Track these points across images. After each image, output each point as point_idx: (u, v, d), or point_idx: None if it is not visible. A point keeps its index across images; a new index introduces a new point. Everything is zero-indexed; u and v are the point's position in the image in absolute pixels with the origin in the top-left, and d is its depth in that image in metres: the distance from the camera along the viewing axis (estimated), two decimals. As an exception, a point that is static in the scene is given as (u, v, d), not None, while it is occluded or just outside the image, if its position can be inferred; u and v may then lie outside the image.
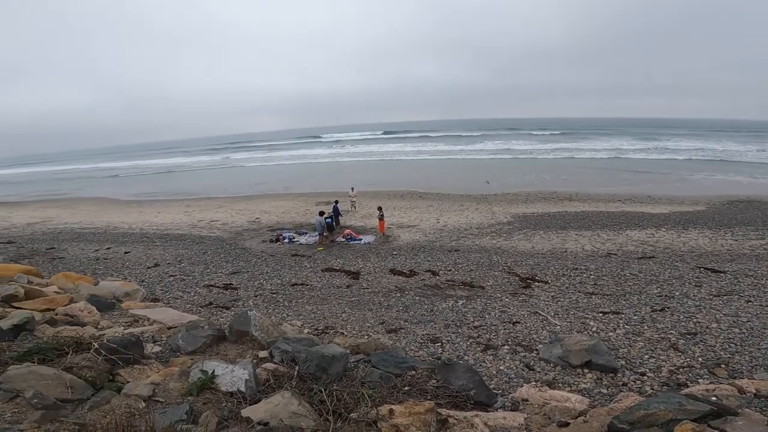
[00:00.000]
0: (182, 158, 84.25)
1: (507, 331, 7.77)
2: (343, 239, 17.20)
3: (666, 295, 9.46)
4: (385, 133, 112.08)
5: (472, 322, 8.46)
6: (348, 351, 4.99)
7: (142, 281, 12.16)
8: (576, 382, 5.42)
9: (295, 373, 4.06)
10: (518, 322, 8.17)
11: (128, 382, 3.46)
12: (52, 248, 17.38)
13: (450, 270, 12.76)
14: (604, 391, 5.19)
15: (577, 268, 12.20)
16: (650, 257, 13.49)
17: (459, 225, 19.31)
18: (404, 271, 12.88)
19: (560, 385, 5.33)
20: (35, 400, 2.90)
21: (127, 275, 13.24)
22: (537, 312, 8.78)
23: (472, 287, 11.12)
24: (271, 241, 17.47)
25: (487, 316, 8.74)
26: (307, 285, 11.88)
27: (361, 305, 10.27)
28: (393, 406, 3.37)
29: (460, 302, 9.96)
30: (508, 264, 13.06)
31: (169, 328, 6.21)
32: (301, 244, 17.09)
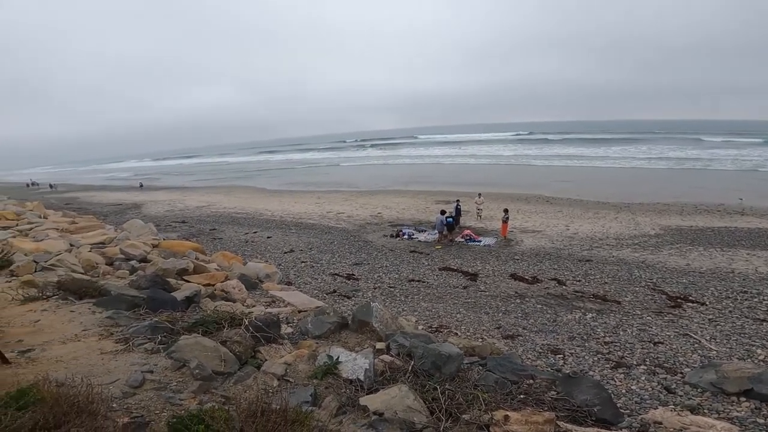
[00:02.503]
0: (313, 154, 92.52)
1: (646, 350, 7.32)
2: (463, 240, 16.93)
3: None
4: (515, 134, 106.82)
5: (603, 337, 8.06)
6: (462, 352, 4.91)
7: (279, 265, 13.64)
8: (727, 410, 4.85)
9: (410, 368, 4.11)
10: (661, 343, 7.63)
11: (266, 360, 3.88)
12: (214, 229, 20.59)
13: (579, 281, 11.73)
14: (761, 421, 4.53)
15: (746, 291, 10.32)
16: None
17: (593, 234, 17.47)
18: (526, 277, 12.20)
19: (705, 411, 4.93)
20: (197, 371, 3.41)
21: (268, 258, 15.00)
22: (687, 334, 7.97)
23: (605, 301, 10.15)
24: (392, 236, 18.04)
25: (621, 333, 8.24)
26: (424, 282, 11.99)
27: (477, 307, 10.03)
28: (509, 413, 3.21)
29: (589, 315, 9.29)
30: (654, 280, 11.50)
31: (299, 312, 6.79)
32: (420, 241, 17.31)
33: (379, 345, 4.87)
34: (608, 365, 6.76)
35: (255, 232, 19.56)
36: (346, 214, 23.54)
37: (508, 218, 17.12)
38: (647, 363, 6.78)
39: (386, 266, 13.62)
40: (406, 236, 17.78)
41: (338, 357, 3.85)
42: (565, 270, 12.72)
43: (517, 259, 14.20)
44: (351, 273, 12.80)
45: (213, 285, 9.53)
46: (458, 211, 18.61)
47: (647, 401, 5.41)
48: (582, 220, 19.94)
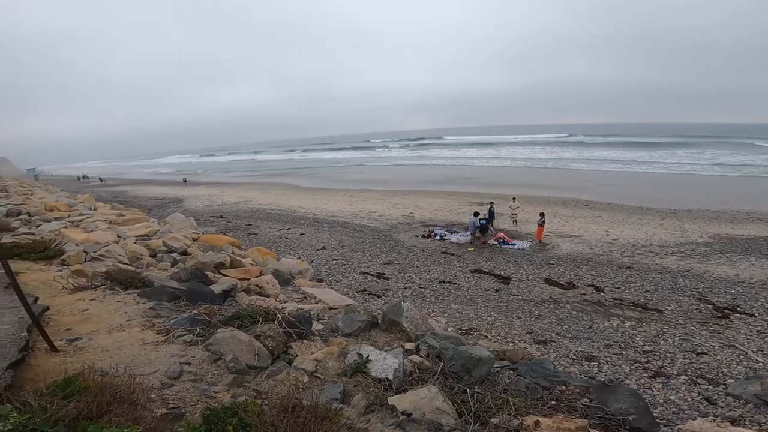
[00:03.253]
0: (344, 153, 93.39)
1: (687, 360, 7.16)
2: (496, 242, 16.64)
3: None
4: (554, 136, 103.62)
5: (642, 346, 7.87)
6: (493, 356, 4.85)
7: (312, 262, 13.87)
8: (771, 423, 4.67)
9: (439, 370, 4.09)
10: (704, 353, 7.41)
11: (297, 355, 3.96)
12: (250, 224, 21.20)
13: (619, 288, 11.32)
14: (806, 434, 4.27)
15: (799, 304, 9.61)
16: None
17: (635, 240, 16.73)
18: (561, 282, 11.87)
19: (747, 423, 4.86)
20: (231, 364, 3.52)
21: (301, 255, 15.29)
22: (733, 345, 7.69)
23: (646, 309, 9.78)
24: (423, 236, 17.97)
25: (662, 342, 8.02)
26: (455, 284, 11.88)
27: (509, 311, 9.86)
28: (539, 419, 3.14)
29: (628, 323, 9.00)
30: (700, 290, 10.95)
31: (330, 309, 6.87)
32: (452, 242, 17.15)
33: (409, 345, 4.87)
34: (646, 374, 6.64)
35: (289, 229, 19.97)
36: (378, 213, 23.64)
37: (544, 222, 16.67)
38: (688, 373, 6.65)
39: (417, 266, 13.59)
40: (438, 237, 17.66)
41: (368, 356, 3.88)
42: (604, 276, 12.28)
43: (553, 264, 13.81)
44: (381, 272, 12.85)
45: (248, 279, 9.80)
46: (492, 213, 18.29)
47: (686, 411, 5.37)
48: (623, 226, 19.14)
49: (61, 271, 7.24)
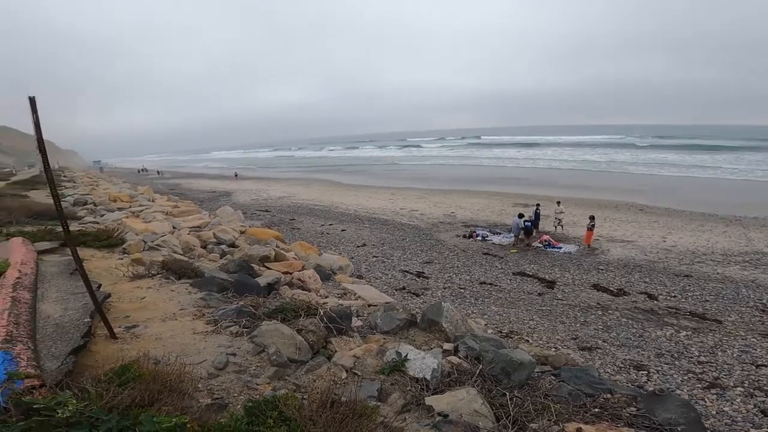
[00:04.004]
0: (390, 151, 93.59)
1: (746, 372, 6.95)
2: (540, 245, 16.12)
3: None
4: (607, 137, 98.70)
5: (697, 356, 7.61)
6: (535, 360, 4.72)
7: (352, 258, 14.05)
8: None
9: (478, 372, 4.04)
10: (765, 366, 7.11)
11: (336, 351, 4.03)
12: (293, 219, 21.80)
13: (675, 297, 10.73)
14: None
15: None
16: None
17: (694, 248, 15.66)
18: (611, 288, 11.35)
19: None
20: (274, 357, 3.63)
21: (342, 251, 15.54)
22: None
23: (703, 319, 9.26)
24: (464, 236, 17.73)
25: (719, 354, 7.70)
26: (496, 286, 11.65)
27: (553, 316, 9.57)
28: (581, 426, 3.03)
29: (683, 333, 8.59)
30: (764, 301, 10.15)
31: (369, 306, 6.94)
32: (494, 243, 16.80)
33: (447, 346, 4.83)
34: (700, 385, 6.48)
35: (330, 225, 20.35)
36: (419, 212, 23.57)
37: (594, 225, 15.96)
38: (745, 385, 6.46)
39: (457, 267, 13.44)
40: (479, 237, 17.36)
41: (406, 354, 3.89)
42: (658, 284, 11.62)
43: (602, 270, 13.20)
44: (421, 271, 12.82)
45: (291, 273, 10.10)
46: (537, 215, 17.75)
47: (739, 423, 5.38)
48: (682, 232, 17.97)
49: (122, 259, 7.76)
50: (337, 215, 23.02)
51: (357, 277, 11.84)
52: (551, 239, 16.59)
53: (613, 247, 16.02)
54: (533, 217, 17.33)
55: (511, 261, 14.27)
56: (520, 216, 16.42)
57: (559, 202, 18.04)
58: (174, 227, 12.41)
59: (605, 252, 15.34)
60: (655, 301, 10.37)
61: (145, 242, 9.41)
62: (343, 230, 19.05)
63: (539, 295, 10.95)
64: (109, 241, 8.95)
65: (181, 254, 9.30)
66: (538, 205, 18.32)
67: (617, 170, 43.64)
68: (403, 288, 10.97)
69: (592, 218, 16.09)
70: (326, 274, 10.91)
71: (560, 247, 15.99)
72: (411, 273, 12.62)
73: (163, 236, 10.05)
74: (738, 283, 11.56)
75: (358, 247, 16.08)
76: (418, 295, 10.53)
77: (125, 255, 8.26)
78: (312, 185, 37.80)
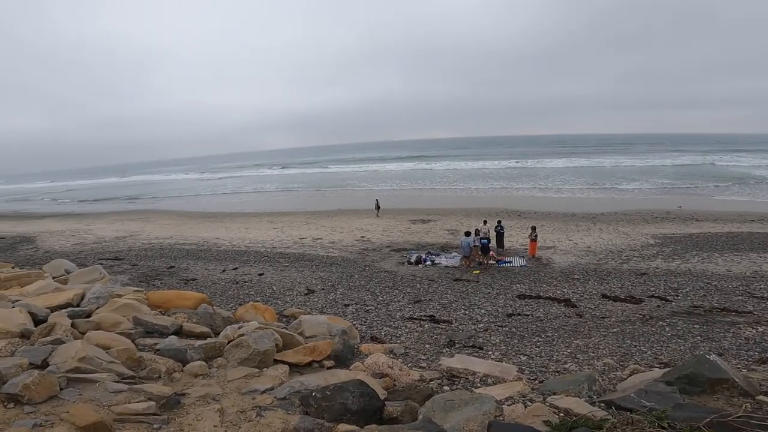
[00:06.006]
0: (179, 175, 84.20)
1: None
2: (494, 262, 15.29)
3: None
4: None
5: None
6: None
7: (323, 313, 10.37)
8: None
9: None
10: None
11: None
12: (172, 267, 15.82)
13: (678, 296, 11.01)
14: None
15: None
16: None
17: (604, 247, 17.23)
18: (621, 297, 11.01)
19: None
20: None
21: (289, 302, 11.53)
22: None
23: (739, 313, 9.33)
24: (410, 263, 15.63)
25: None
26: (525, 315, 10.00)
27: (631, 336, 8.40)
28: None
29: (751, 330, 8.26)
30: (752, 288, 11.22)
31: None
32: (447, 266, 15.21)
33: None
34: None
35: (235, 269, 15.41)
36: (326, 240, 20.33)
37: (536, 236, 15.98)
38: None
39: (455, 301, 11.25)
40: (428, 263, 15.51)
41: None
42: (639, 285, 11.94)
43: (577, 278, 13.07)
44: (430, 314, 10.16)
45: (318, 362, 6.31)
46: (501, 234, 17.00)
47: None
48: (576, 234, 19.81)
49: None
50: (229, 255, 17.83)
51: (371, 340, 8.52)
52: (495, 255, 16.00)
53: (546, 254, 16.36)
54: (496, 235, 16.69)
55: (491, 284, 12.83)
56: (467, 234, 15.30)
57: (485, 221, 17.54)
58: (30, 314, 6.68)
59: (550, 261, 15.46)
60: (673, 303, 10.38)
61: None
62: (260, 275, 14.52)
63: (579, 316, 9.76)
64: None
65: (132, 380, 4.60)
66: (499, 221, 17.43)
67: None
68: (451, 343, 8.17)
69: (533, 229, 16.13)
70: (351, 348, 7.37)
71: (510, 261, 15.49)
72: (421, 319, 9.83)
73: (49, 348, 4.90)
74: (698, 275, 12.73)
75: (305, 295, 12.21)
76: (481, 348, 7.93)
77: None
78: (155, 219, 29.48)
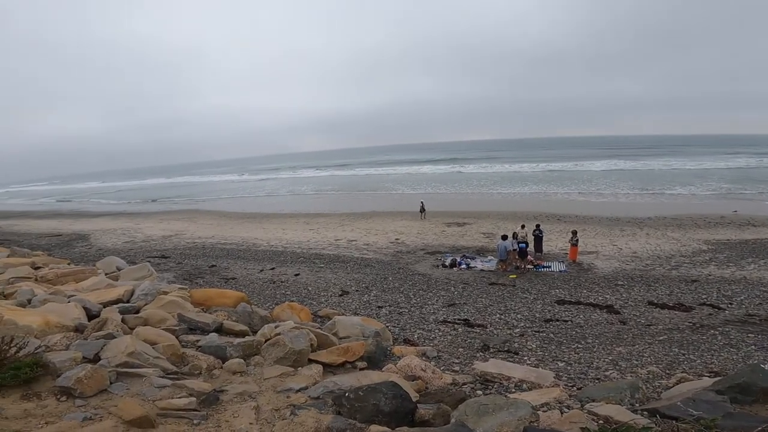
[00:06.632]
0: (219, 177, 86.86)
1: None
2: (531, 267, 14.89)
3: None
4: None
5: None
6: None
7: (356, 314, 10.47)
8: None
9: None
10: None
11: None
12: (214, 266, 16.44)
13: (732, 304, 10.33)
14: None
15: None
16: None
17: (652, 252, 16.37)
18: (669, 304, 10.46)
19: None
20: None
21: (323, 303, 11.71)
22: None
23: None
24: (443, 266, 15.48)
25: None
26: (566, 321, 9.68)
27: (672, 343, 7.95)
28: None
29: None
30: None
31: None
32: (482, 270, 14.96)
33: None
34: None
35: (272, 269, 15.82)
36: (361, 242, 20.47)
37: (577, 240, 15.43)
38: None
39: (490, 305, 11.05)
40: (463, 266, 15.31)
41: None
42: (690, 293, 11.28)
43: (621, 285, 12.49)
44: (465, 318, 10.04)
45: (351, 363, 6.38)
46: (539, 237, 16.47)
47: None
48: (620, 239, 18.94)
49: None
50: (267, 255, 18.33)
51: (403, 342, 8.51)
52: (533, 259, 15.57)
53: (587, 260, 15.74)
54: (534, 238, 16.20)
55: (528, 289, 12.51)
56: (504, 237, 14.97)
57: (523, 226, 17.07)
58: (86, 309, 7.14)
59: (591, 266, 14.88)
60: (726, 311, 9.75)
61: (95, 361, 4.66)
62: (296, 275, 14.84)
63: (622, 323, 9.34)
64: (12, 370, 3.98)
65: (174, 374, 4.81)
66: (538, 225, 16.92)
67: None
68: (485, 347, 8.04)
69: (574, 233, 15.58)
70: (383, 350, 7.40)
71: (549, 266, 15.03)
72: (454, 323, 9.73)
73: (101, 342, 5.22)
74: (754, 283, 11.89)
75: (339, 296, 12.36)
76: (510, 351, 7.76)
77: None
78: (199, 219, 30.77)
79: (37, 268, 11.04)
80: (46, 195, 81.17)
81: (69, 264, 12.52)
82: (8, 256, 12.55)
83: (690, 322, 9.13)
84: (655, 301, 10.70)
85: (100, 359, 4.71)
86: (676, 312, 9.98)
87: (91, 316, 6.92)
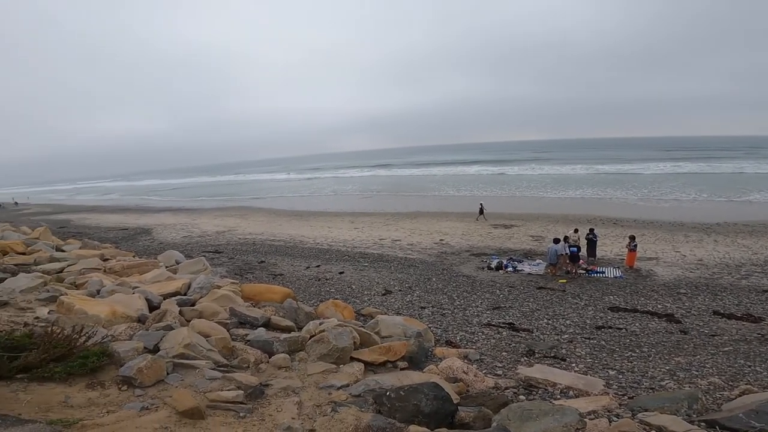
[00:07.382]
0: (265, 175, 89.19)
1: None
2: (583, 272, 14.24)
3: None
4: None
5: None
6: None
7: (399, 314, 10.50)
8: None
9: None
10: None
11: None
12: (263, 262, 17.11)
13: None
14: None
15: None
16: None
17: (719, 260, 15.12)
18: (737, 314, 9.67)
19: None
20: None
21: (366, 302, 11.83)
22: None
23: None
24: (489, 268, 15.16)
25: None
26: (619, 329, 9.18)
27: (737, 354, 7.33)
28: None
29: None
30: None
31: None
32: (530, 273, 14.50)
33: None
34: None
35: (318, 266, 16.21)
36: (405, 242, 20.49)
37: (636, 246, 14.56)
38: None
39: (536, 309, 10.70)
40: (510, 269, 14.91)
41: None
42: (762, 303, 10.38)
43: (683, 293, 11.65)
44: (510, 322, 9.79)
45: (392, 362, 6.40)
46: (593, 241, 15.74)
47: None
48: (684, 245, 17.65)
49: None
50: (313, 252, 18.80)
51: (446, 344, 8.42)
52: (585, 264, 14.88)
53: (646, 266, 14.81)
54: (587, 243, 15.57)
55: (578, 294, 11.98)
56: (556, 241, 14.40)
57: (576, 230, 16.34)
58: (147, 300, 7.67)
59: (651, 273, 13.99)
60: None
61: (156, 351, 5.00)
62: (340, 273, 15.11)
63: (683, 333, 8.73)
64: (84, 360, 4.35)
65: (224, 367, 5.04)
66: (591, 229, 16.18)
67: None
68: (530, 352, 7.81)
69: (632, 238, 14.69)
70: (424, 351, 7.38)
71: (602, 271, 14.29)
72: (499, 326, 9.51)
73: (170, 334, 5.55)
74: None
75: (382, 295, 12.45)
76: (557, 357, 7.48)
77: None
78: (250, 216, 32.17)
79: (105, 260, 11.98)
80: (112, 191, 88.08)
81: (134, 256, 13.50)
82: (80, 248, 13.69)
83: (759, 334, 8.39)
84: (721, 311, 9.91)
85: (159, 350, 5.03)
86: (744, 323, 9.19)
87: (152, 307, 7.41)
